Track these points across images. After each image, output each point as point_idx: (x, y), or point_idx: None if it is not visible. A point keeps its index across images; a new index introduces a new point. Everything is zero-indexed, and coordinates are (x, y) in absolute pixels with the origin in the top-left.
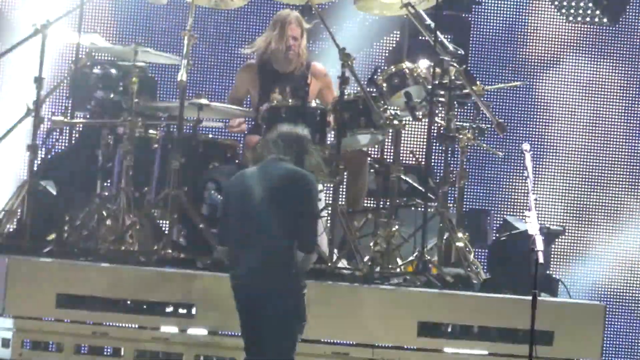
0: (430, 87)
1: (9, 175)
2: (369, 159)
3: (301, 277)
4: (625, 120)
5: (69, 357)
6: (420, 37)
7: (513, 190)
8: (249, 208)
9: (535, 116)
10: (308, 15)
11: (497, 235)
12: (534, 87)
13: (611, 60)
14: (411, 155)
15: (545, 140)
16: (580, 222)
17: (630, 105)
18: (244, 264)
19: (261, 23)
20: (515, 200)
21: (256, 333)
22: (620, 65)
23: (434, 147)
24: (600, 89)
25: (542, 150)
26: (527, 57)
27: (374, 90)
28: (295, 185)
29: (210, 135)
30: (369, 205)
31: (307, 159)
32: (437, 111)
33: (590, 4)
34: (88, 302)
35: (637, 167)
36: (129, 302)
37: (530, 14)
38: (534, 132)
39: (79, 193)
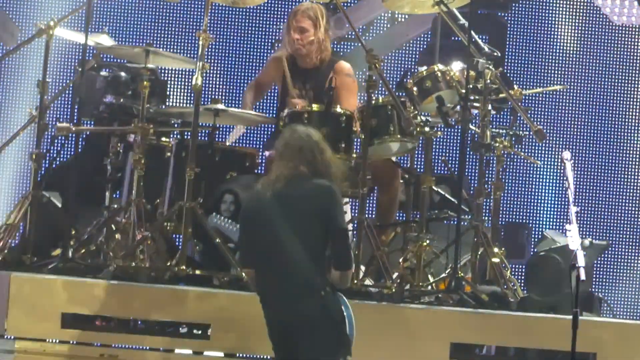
0: (464, 91)
1: (11, 186)
2: (398, 168)
3: (337, 300)
4: None
5: None
6: (453, 38)
7: (553, 202)
8: (272, 232)
9: (576, 122)
10: (333, 14)
11: (536, 250)
12: (576, 91)
13: None
14: (443, 165)
15: (588, 148)
16: (625, 236)
17: None
18: (274, 294)
19: (282, 21)
20: (555, 213)
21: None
22: None
23: (468, 156)
24: None
25: (584, 158)
26: (568, 59)
27: (404, 94)
28: (317, 201)
29: (228, 143)
30: (398, 218)
31: (320, 163)
32: (471, 117)
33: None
34: (95, 322)
35: None
36: (139, 323)
37: (571, 14)
38: (575, 140)
39: (86, 205)
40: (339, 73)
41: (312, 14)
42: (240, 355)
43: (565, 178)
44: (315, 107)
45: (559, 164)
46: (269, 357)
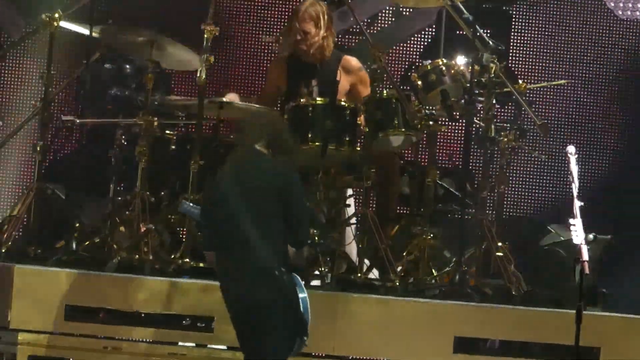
0: (468, 85)
1: (15, 178)
2: (401, 162)
3: (291, 281)
4: None
5: None
6: (458, 32)
7: (557, 196)
8: (229, 213)
9: (581, 117)
10: (338, 7)
11: (540, 244)
12: (580, 85)
13: None
14: (448, 159)
15: (593, 142)
16: (630, 230)
17: None
18: (232, 276)
19: (290, 12)
20: (560, 207)
21: (252, 343)
22: None
23: (472, 150)
24: None
25: (588, 153)
26: (573, 53)
27: (408, 88)
28: (275, 179)
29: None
30: (402, 211)
31: (280, 143)
32: (475, 111)
33: None
34: (99, 315)
35: None
36: (143, 315)
37: (576, 7)
38: (579, 134)
39: (90, 198)
40: (351, 70)
41: (314, 14)
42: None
43: (569, 172)
44: (319, 100)
45: (564, 158)
46: None
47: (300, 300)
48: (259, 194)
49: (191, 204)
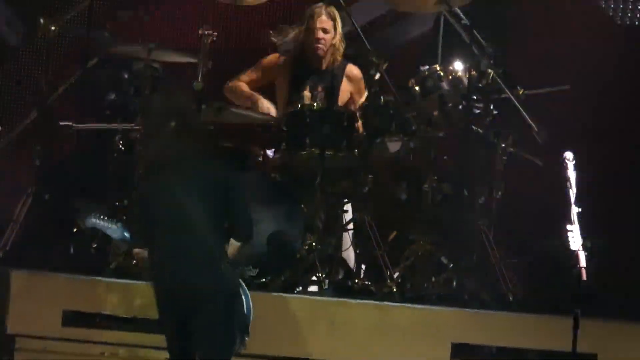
0: (466, 90)
1: (12, 183)
2: (399, 167)
3: (235, 276)
4: None
5: None
6: (455, 37)
7: (554, 202)
8: (171, 205)
9: (579, 122)
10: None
11: (537, 249)
12: (579, 91)
13: None
14: (445, 164)
15: (591, 148)
16: (627, 236)
17: None
18: (171, 267)
19: (286, 20)
20: (557, 213)
21: (185, 341)
22: None
23: (469, 156)
24: None
25: (586, 159)
26: (571, 59)
27: (406, 93)
28: (215, 172)
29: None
30: (399, 217)
31: (187, 125)
32: (473, 116)
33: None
34: (97, 320)
35: None
36: (141, 320)
37: (577, 12)
38: (577, 140)
39: (87, 203)
40: (353, 79)
41: (333, 16)
42: (245, 354)
43: (567, 178)
44: (317, 106)
45: (561, 163)
46: (272, 355)
47: (244, 299)
48: (201, 188)
49: (100, 216)
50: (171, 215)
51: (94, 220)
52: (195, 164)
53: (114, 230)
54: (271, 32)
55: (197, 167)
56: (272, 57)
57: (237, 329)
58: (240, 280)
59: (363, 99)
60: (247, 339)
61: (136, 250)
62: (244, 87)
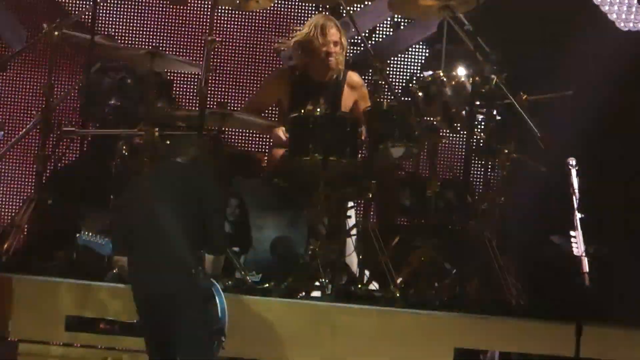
0: (469, 96)
1: (15, 189)
2: (402, 173)
3: (207, 282)
4: None
5: None
6: (459, 43)
7: (557, 208)
8: (148, 214)
9: (582, 128)
10: (338, 18)
11: (540, 256)
12: (583, 97)
13: None
14: (448, 170)
15: (594, 154)
16: (631, 242)
17: None
18: (147, 274)
19: (289, 25)
20: (560, 219)
21: (163, 349)
22: None
23: (473, 161)
24: None
25: (589, 165)
26: (575, 65)
27: (409, 99)
28: (192, 188)
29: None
30: (402, 223)
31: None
32: (476, 122)
33: None
34: (100, 325)
35: None
36: None
37: (580, 17)
38: (581, 146)
39: (91, 208)
40: (355, 86)
41: (339, 27)
42: (244, 359)
43: (570, 184)
44: (319, 111)
45: (564, 170)
46: None
47: (217, 302)
48: (176, 200)
49: (89, 234)
50: (145, 224)
51: (83, 238)
52: (172, 174)
53: (101, 246)
54: (278, 41)
55: (174, 177)
56: (272, 77)
57: (212, 334)
58: (216, 283)
59: (368, 104)
60: (224, 340)
61: (116, 257)
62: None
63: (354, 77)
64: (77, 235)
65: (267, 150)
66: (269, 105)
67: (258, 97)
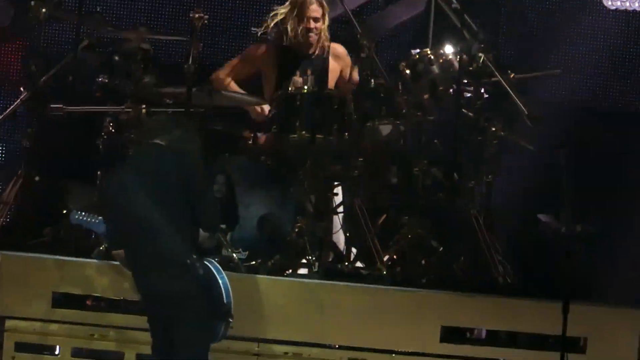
0: (456, 74)
1: (2, 165)
2: (389, 151)
3: (203, 267)
4: None
5: None
6: (446, 21)
7: (546, 186)
8: (135, 206)
9: (571, 107)
10: None
11: (528, 234)
12: (571, 75)
13: None
14: (436, 148)
15: (583, 132)
16: (619, 222)
17: None
18: (142, 268)
19: (279, 1)
20: (549, 198)
21: (164, 333)
22: None
23: (460, 140)
24: None
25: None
26: (563, 43)
27: (397, 77)
28: (177, 171)
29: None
30: (389, 201)
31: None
32: (464, 101)
33: None
34: (86, 302)
35: None
36: (131, 303)
37: None
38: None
39: (78, 185)
40: (339, 56)
41: (322, 4)
42: (232, 336)
43: (559, 163)
44: (308, 89)
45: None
46: (261, 338)
47: (220, 284)
48: (161, 186)
49: (82, 213)
50: (132, 221)
51: (76, 217)
52: (152, 159)
53: (96, 224)
54: (257, 28)
55: (155, 162)
56: (257, 48)
57: (218, 318)
58: (215, 263)
59: (355, 72)
60: (231, 322)
61: (114, 252)
62: (235, 87)
63: (337, 48)
64: (70, 214)
65: (252, 129)
66: (248, 74)
67: (239, 63)
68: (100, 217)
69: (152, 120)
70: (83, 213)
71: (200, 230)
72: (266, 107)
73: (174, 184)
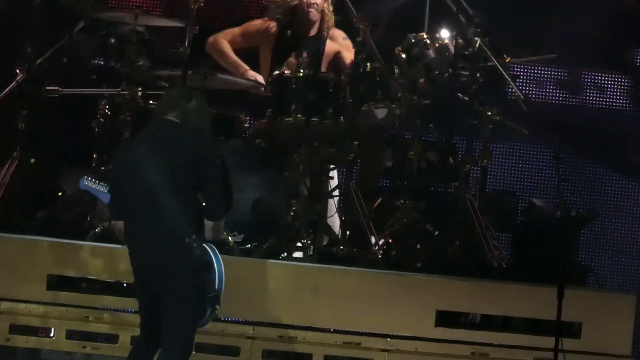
0: (452, 58)
1: None
2: (385, 134)
3: (201, 249)
4: None
5: (59, 343)
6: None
7: (540, 171)
8: (140, 180)
9: (566, 91)
10: None
11: (523, 218)
12: (567, 60)
13: None
14: (431, 132)
15: (577, 118)
16: (613, 207)
17: None
18: (140, 243)
19: None
20: (543, 182)
21: (155, 313)
22: None
23: (455, 123)
24: None
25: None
26: (559, 27)
27: (392, 61)
28: (188, 148)
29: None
30: (384, 184)
31: (192, 117)
32: (459, 84)
33: None
34: (81, 284)
35: None
36: (125, 285)
37: None
38: (564, 109)
39: (72, 167)
40: (335, 39)
41: None
42: (225, 319)
43: (552, 147)
44: (303, 72)
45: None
46: (256, 321)
47: (215, 270)
48: (172, 161)
49: (93, 180)
50: (138, 192)
51: (86, 183)
52: (166, 134)
53: (104, 194)
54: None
55: (168, 138)
56: (259, 22)
57: (207, 302)
58: (214, 250)
59: (352, 54)
60: (217, 308)
61: (114, 222)
62: (230, 51)
63: (335, 31)
64: (80, 180)
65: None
66: (245, 46)
67: (239, 34)
68: (108, 187)
69: (166, 96)
70: (93, 180)
71: (205, 220)
72: (259, 77)
73: (184, 161)
